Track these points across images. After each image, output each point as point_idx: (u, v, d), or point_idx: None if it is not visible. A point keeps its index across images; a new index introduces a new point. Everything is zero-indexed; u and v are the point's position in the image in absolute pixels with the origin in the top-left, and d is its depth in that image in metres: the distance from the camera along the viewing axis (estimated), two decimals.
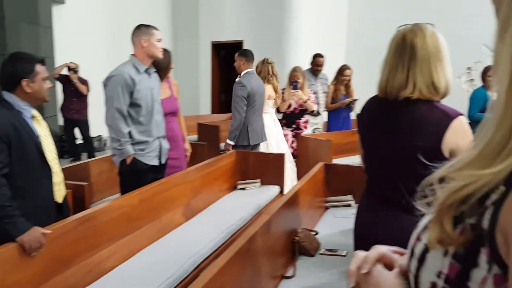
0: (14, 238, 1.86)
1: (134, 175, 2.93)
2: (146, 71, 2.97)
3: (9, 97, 2.04)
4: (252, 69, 4.32)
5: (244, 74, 4.21)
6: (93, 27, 7.61)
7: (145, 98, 2.92)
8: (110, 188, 3.76)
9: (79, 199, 2.87)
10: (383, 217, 1.58)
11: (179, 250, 2.68)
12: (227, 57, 9.89)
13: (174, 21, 9.82)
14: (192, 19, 9.54)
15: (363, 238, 1.64)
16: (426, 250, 0.56)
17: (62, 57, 6.70)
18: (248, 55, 4.26)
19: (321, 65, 5.62)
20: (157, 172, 3.10)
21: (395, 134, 1.50)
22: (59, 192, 2.27)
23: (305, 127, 5.00)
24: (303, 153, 4.72)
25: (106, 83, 2.88)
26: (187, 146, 3.64)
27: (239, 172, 4.23)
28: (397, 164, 1.50)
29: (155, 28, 2.98)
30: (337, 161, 4.45)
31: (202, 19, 9.41)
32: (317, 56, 5.65)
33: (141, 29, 2.94)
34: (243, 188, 4.06)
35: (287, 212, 2.58)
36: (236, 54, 4.31)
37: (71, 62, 6.35)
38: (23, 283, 1.89)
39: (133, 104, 2.89)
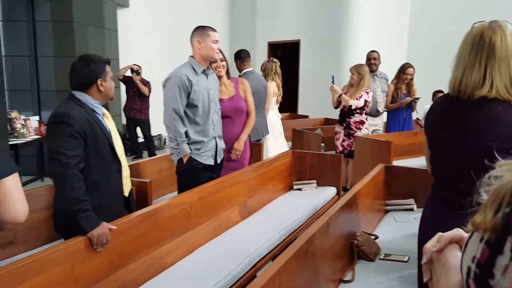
0: (85, 231, 1.96)
1: (190, 173, 2.99)
2: (204, 72, 3.01)
3: (81, 96, 2.15)
4: (250, 68, 4.41)
5: (243, 74, 4.34)
6: (155, 30, 7.90)
7: (202, 98, 2.96)
8: (169, 185, 3.87)
9: (142, 195, 2.97)
10: (451, 222, 1.48)
11: (236, 248, 2.70)
12: (283, 57, 9.89)
13: (231, 22, 9.96)
14: (249, 19, 9.63)
15: None
16: (469, 237, 0.58)
17: (125, 58, 7.02)
18: (242, 56, 4.38)
19: (374, 59, 5.39)
20: (213, 171, 3.13)
21: (467, 134, 1.41)
22: (126, 186, 2.38)
23: (358, 128, 4.76)
24: (361, 154, 4.59)
25: (165, 84, 2.96)
26: (236, 145, 3.41)
27: (295, 172, 4.20)
28: (467, 166, 1.41)
29: (212, 30, 2.99)
30: (397, 163, 4.29)
31: (259, 19, 9.47)
32: (370, 51, 5.46)
33: (198, 31, 2.99)
34: (299, 189, 4.03)
35: (346, 214, 2.52)
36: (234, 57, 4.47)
37: (134, 64, 6.62)
38: (90, 275, 1.99)
39: (190, 105, 2.94)
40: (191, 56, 3.03)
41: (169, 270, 2.42)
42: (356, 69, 4.71)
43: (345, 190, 4.55)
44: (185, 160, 2.97)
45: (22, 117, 5.26)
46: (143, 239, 2.31)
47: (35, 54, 5.91)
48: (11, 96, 5.80)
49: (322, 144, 5.68)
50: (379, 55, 5.42)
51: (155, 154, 6.57)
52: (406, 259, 2.55)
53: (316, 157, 4.17)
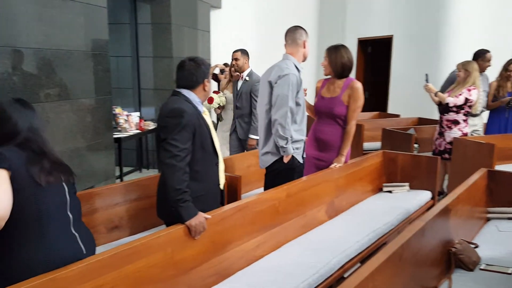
0: (184, 220, 2.09)
1: (288, 173, 3.00)
2: (299, 71, 3.04)
3: (188, 94, 2.30)
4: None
5: (249, 72, 4.46)
6: (245, 29, 8.09)
7: (302, 97, 3.01)
8: (256, 181, 3.96)
9: (232, 189, 3.08)
10: None
11: (324, 247, 2.68)
12: (374, 53, 9.58)
13: (320, 18, 9.86)
14: (339, 14, 9.46)
15: None
16: None
17: (216, 58, 7.29)
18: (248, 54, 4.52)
19: (489, 61, 4.99)
20: (300, 170, 3.15)
21: None
22: (222, 179, 2.51)
23: (448, 127, 4.45)
24: (460, 157, 4.28)
25: (278, 81, 2.88)
26: (336, 160, 3.29)
27: (385, 173, 4.06)
28: None
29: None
30: (500, 168, 3.94)
31: (349, 14, 9.26)
32: (486, 52, 5.01)
33: (304, 31, 3.03)
34: (390, 191, 3.88)
35: (444, 220, 2.38)
36: (239, 53, 4.46)
37: (224, 63, 6.86)
38: (188, 261, 2.11)
39: (296, 103, 2.95)
40: (289, 54, 3.04)
41: (258, 262, 2.48)
42: (463, 65, 4.40)
43: (439, 194, 4.29)
44: (287, 160, 2.96)
45: (125, 112, 5.71)
46: (235, 231, 2.40)
47: (137, 54, 6.38)
48: (115, 93, 6.33)
49: (415, 145, 5.40)
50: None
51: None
52: (510, 271, 2.34)
53: (409, 158, 3.98)
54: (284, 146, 2.90)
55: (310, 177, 3.08)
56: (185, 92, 2.30)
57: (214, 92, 4.41)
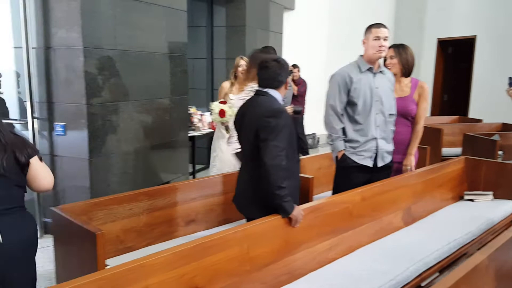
0: (288, 214, 2.20)
1: (344, 171, 2.96)
2: (370, 70, 2.92)
3: (274, 93, 2.35)
4: None
5: None
6: (317, 30, 8.06)
7: (362, 97, 2.87)
8: (327, 183, 3.91)
9: (304, 190, 3.08)
10: None
11: (400, 254, 2.60)
12: (454, 55, 9.09)
13: (396, 17, 9.52)
14: (417, 14, 9.07)
15: None
16: None
17: (287, 60, 7.30)
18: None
19: None
20: (371, 173, 2.98)
21: None
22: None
23: None
24: None
25: (329, 81, 3.00)
26: (406, 161, 3.22)
27: (466, 181, 3.84)
28: None
29: (377, 26, 2.88)
30: None
31: (429, 13, 8.84)
32: None
33: (366, 30, 2.95)
34: (471, 200, 3.66)
35: None
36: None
37: (292, 65, 6.87)
38: (262, 258, 2.15)
39: (350, 102, 2.90)
40: (361, 54, 3.01)
41: (331, 265, 2.46)
42: None
43: None
44: (339, 156, 2.95)
45: (199, 112, 5.92)
46: (308, 232, 2.40)
47: (212, 56, 6.59)
48: (190, 93, 6.59)
49: (500, 152, 5.03)
50: None
51: (308, 153, 6.70)
52: None
53: (493, 166, 3.73)
54: (329, 142, 2.99)
55: (385, 181, 2.98)
56: (272, 92, 2.33)
57: (221, 102, 3.85)
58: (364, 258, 2.55)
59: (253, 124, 2.24)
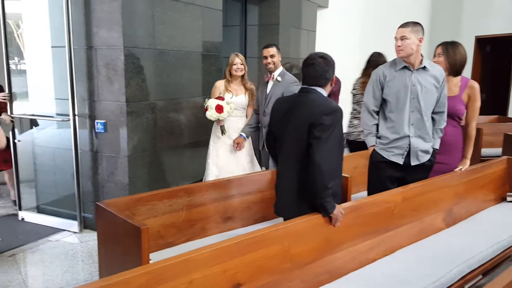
0: (329, 213, 2.19)
1: (374, 166, 3.00)
2: (406, 67, 2.85)
3: (322, 91, 2.31)
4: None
5: (282, 72, 3.71)
6: (350, 27, 7.95)
7: (395, 94, 2.84)
8: (363, 183, 3.83)
9: (342, 190, 3.00)
10: None
11: (442, 255, 2.54)
12: (493, 53, 8.79)
13: (432, 14, 9.28)
14: (454, 11, 8.82)
15: None
16: None
17: None
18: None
19: None
20: (404, 171, 2.92)
21: None
22: None
23: None
24: None
25: None
26: (461, 164, 3.16)
27: (509, 182, 3.70)
28: None
29: (399, 26, 2.83)
30: None
31: (466, 10, 8.59)
32: None
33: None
34: None
35: None
36: (275, 48, 3.68)
37: None
38: (303, 256, 2.14)
39: (384, 100, 2.93)
40: None
41: (371, 265, 2.43)
42: None
43: None
44: (370, 151, 3.00)
45: None
46: (348, 231, 2.37)
47: (245, 55, 6.61)
48: None
49: None
50: None
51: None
52: None
53: None
54: (363, 137, 3.09)
55: (427, 181, 2.92)
56: (319, 89, 2.29)
57: (218, 98, 3.66)
58: (405, 259, 2.50)
59: (305, 122, 2.18)
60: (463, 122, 3.21)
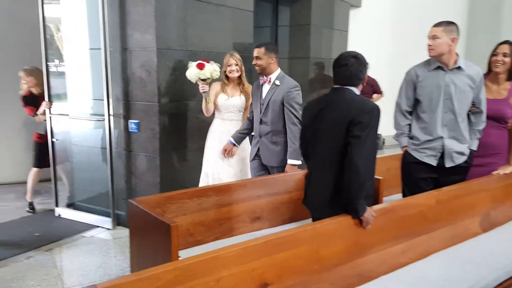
0: (360, 215, 2.14)
1: (406, 167, 2.98)
2: (440, 67, 2.79)
3: (356, 91, 2.26)
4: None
5: (280, 75, 3.24)
6: (383, 27, 7.81)
7: (428, 94, 2.81)
8: (396, 186, 3.75)
9: (374, 192, 2.97)
10: None
11: (477, 261, 2.46)
12: None
13: (470, 15, 8.98)
14: (493, 9, 8.50)
15: None
16: None
17: None
18: (277, 51, 3.29)
19: None
20: (438, 173, 2.87)
21: None
22: None
23: None
24: None
25: None
26: (505, 169, 3.03)
27: None
28: None
29: (434, 25, 2.77)
30: None
31: (507, 10, 8.26)
32: None
33: None
34: None
35: None
36: (262, 49, 3.17)
37: None
38: (332, 258, 2.10)
39: (416, 100, 2.90)
40: None
41: (403, 270, 2.36)
42: None
43: None
44: (402, 151, 3.00)
45: None
46: (379, 234, 2.31)
47: None
48: None
49: None
50: None
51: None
52: None
53: None
54: (395, 138, 3.04)
55: (462, 185, 2.82)
56: (354, 89, 2.24)
57: (203, 60, 3.43)
58: (439, 263, 2.43)
59: (343, 120, 2.12)
60: (510, 126, 3.09)
